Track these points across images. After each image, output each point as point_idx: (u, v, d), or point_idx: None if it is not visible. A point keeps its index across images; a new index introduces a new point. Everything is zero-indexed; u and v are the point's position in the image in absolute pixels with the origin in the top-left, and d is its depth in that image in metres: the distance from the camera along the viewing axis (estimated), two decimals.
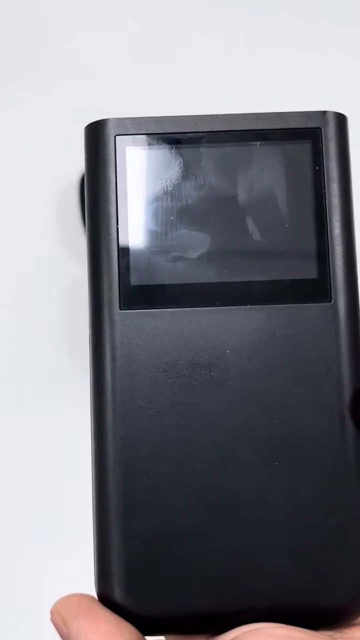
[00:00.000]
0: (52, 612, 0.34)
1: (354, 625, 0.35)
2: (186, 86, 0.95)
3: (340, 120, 0.37)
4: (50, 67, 0.96)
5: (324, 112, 0.37)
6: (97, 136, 0.37)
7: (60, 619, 0.34)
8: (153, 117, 0.37)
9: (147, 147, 0.37)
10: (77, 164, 0.89)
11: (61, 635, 0.34)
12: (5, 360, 0.88)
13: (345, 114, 0.37)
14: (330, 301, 0.35)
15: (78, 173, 0.90)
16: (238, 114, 0.37)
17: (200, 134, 0.37)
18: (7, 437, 0.86)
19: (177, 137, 0.37)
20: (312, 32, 0.96)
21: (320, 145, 0.36)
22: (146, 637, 0.34)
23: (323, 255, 0.36)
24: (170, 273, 0.36)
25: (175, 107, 0.91)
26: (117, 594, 0.34)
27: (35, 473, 0.84)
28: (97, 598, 0.35)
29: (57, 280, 0.90)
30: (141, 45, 0.97)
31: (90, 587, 0.36)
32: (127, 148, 0.37)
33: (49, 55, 0.97)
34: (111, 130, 0.37)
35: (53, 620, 0.34)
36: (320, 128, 0.36)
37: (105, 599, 0.34)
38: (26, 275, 0.90)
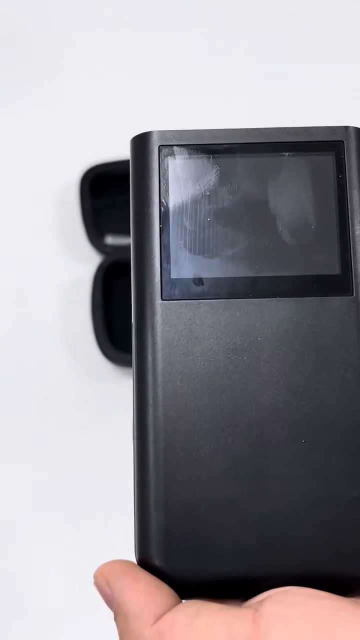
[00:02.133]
0: (95, 576, 0.37)
1: None
2: (186, 86, 0.98)
3: None
4: (50, 68, 0.98)
5: (347, 127, 0.41)
6: (142, 146, 0.41)
7: (104, 580, 0.37)
8: (193, 129, 0.40)
9: (187, 156, 0.40)
10: (77, 164, 0.91)
11: (104, 596, 0.37)
12: (5, 360, 0.89)
13: None
14: (352, 294, 0.39)
15: (78, 173, 0.91)
16: (269, 128, 0.40)
17: (235, 145, 0.40)
18: (7, 437, 0.86)
19: (214, 147, 0.40)
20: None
21: (343, 156, 0.40)
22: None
23: (345, 253, 0.39)
24: (207, 268, 0.39)
25: (175, 108, 0.93)
26: (156, 559, 0.37)
27: (35, 472, 0.85)
28: (137, 563, 0.38)
29: (57, 280, 0.91)
30: (141, 46, 0.98)
31: None
32: (169, 157, 0.40)
33: (49, 56, 0.98)
34: (155, 141, 0.41)
35: (97, 583, 0.37)
36: (342, 141, 0.40)
37: (145, 563, 0.37)
38: (26, 275, 0.91)
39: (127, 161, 0.89)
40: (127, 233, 0.87)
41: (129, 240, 0.87)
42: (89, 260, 0.91)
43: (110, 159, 0.92)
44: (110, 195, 0.92)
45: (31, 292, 0.91)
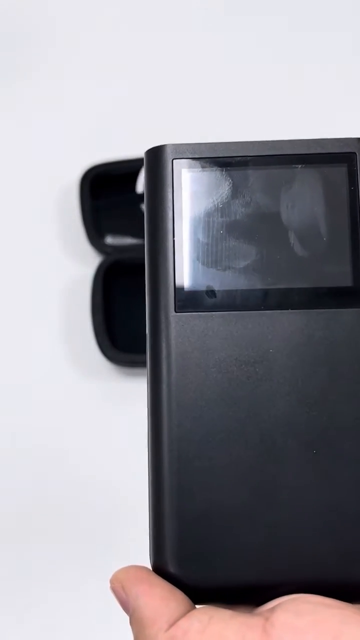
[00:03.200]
0: (112, 581, 0.38)
1: None
2: (186, 86, 0.98)
3: None
4: (50, 68, 0.98)
5: (358, 139, 0.41)
6: (156, 159, 0.41)
7: (120, 586, 0.38)
8: (206, 143, 0.41)
9: (200, 169, 0.41)
10: (77, 164, 0.91)
11: (120, 601, 0.38)
12: (5, 359, 0.89)
13: None
14: None
15: (78, 173, 0.91)
16: (282, 140, 0.41)
17: (248, 158, 0.41)
18: (7, 436, 0.87)
19: (227, 160, 0.41)
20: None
21: (355, 168, 0.41)
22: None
23: (358, 265, 0.40)
24: (220, 280, 0.40)
25: (175, 109, 0.94)
26: (171, 566, 0.38)
27: (35, 472, 0.86)
28: (151, 569, 0.39)
29: (57, 280, 0.91)
30: (142, 46, 0.99)
31: None
32: (183, 170, 0.41)
33: (50, 57, 0.99)
34: (169, 154, 0.41)
35: (113, 588, 0.38)
36: (355, 153, 0.41)
37: (160, 570, 0.38)
38: (26, 275, 0.91)
39: (127, 161, 0.90)
40: (127, 233, 0.89)
41: (129, 240, 0.88)
42: (89, 260, 0.91)
43: (110, 159, 0.92)
44: (110, 195, 0.93)
45: (31, 292, 0.92)
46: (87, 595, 0.80)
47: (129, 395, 0.87)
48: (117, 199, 0.92)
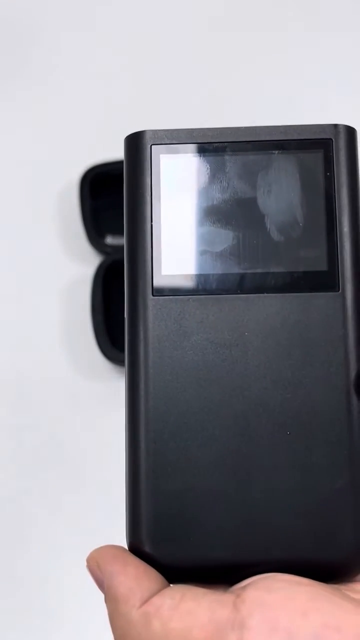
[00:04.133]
0: (88, 560, 0.39)
1: (357, 580, 0.39)
2: (185, 87, 0.98)
3: (350, 132, 0.42)
4: (50, 68, 0.98)
5: (336, 125, 0.42)
6: (135, 145, 0.42)
7: (95, 564, 0.38)
8: (184, 128, 0.41)
9: (178, 155, 0.41)
10: (77, 164, 0.92)
11: (95, 579, 0.38)
12: (5, 359, 0.89)
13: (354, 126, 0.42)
14: (339, 291, 0.40)
15: (78, 173, 0.92)
16: (259, 126, 0.41)
17: (225, 143, 0.41)
18: (7, 436, 0.87)
19: (205, 146, 0.41)
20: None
21: (332, 154, 0.41)
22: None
23: (332, 250, 0.40)
24: (196, 264, 0.41)
25: (174, 107, 0.94)
26: (146, 545, 0.38)
27: (35, 472, 0.86)
28: (127, 549, 0.39)
29: (57, 280, 0.91)
30: (142, 46, 0.99)
31: None
32: (161, 155, 0.41)
33: (50, 56, 0.99)
34: (148, 140, 0.42)
35: (89, 567, 0.39)
36: (331, 139, 0.41)
37: (135, 549, 0.39)
38: (26, 275, 0.92)
39: None
40: None
41: None
42: (89, 260, 0.91)
43: (110, 159, 0.92)
44: (110, 195, 0.93)
45: (31, 292, 0.92)
46: (88, 595, 0.80)
47: None
48: (117, 199, 0.92)
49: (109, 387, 0.88)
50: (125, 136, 0.42)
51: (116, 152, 0.90)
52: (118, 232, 0.92)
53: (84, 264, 0.92)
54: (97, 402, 0.88)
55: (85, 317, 0.89)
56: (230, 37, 1.00)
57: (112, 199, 0.92)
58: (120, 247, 0.90)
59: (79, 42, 1.00)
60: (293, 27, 1.00)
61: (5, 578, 0.83)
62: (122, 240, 0.87)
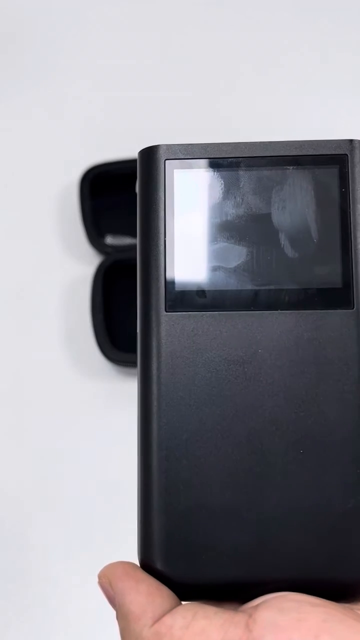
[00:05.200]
0: (99, 576, 0.38)
1: None
2: (185, 87, 0.98)
3: None
4: (51, 68, 0.98)
5: (351, 141, 0.41)
6: (148, 159, 0.42)
7: (107, 581, 0.38)
8: (198, 143, 0.41)
9: (192, 170, 0.41)
10: (77, 164, 0.92)
11: (107, 596, 0.38)
12: (5, 359, 0.89)
13: None
14: (353, 308, 0.40)
15: (78, 173, 0.91)
16: (274, 142, 0.41)
17: (240, 159, 0.41)
18: (7, 436, 0.87)
19: (219, 161, 0.41)
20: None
21: (347, 170, 0.41)
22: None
23: (347, 266, 0.40)
24: (210, 280, 0.40)
25: (175, 109, 0.94)
26: (158, 562, 0.38)
27: (35, 472, 0.86)
28: (139, 565, 0.39)
29: (57, 280, 0.91)
30: (142, 46, 0.99)
31: None
32: (175, 171, 0.41)
33: (50, 57, 0.99)
34: (162, 154, 0.42)
35: (100, 583, 0.38)
36: (347, 154, 0.41)
37: (147, 566, 0.39)
38: (26, 275, 0.91)
39: (127, 161, 0.90)
40: (127, 233, 0.89)
41: (129, 240, 0.89)
42: (89, 260, 0.91)
43: (110, 159, 0.92)
44: (110, 196, 0.93)
45: (31, 292, 0.92)
46: (88, 595, 0.80)
47: (129, 395, 0.87)
48: (117, 199, 0.93)
49: (109, 387, 0.88)
50: (139, 150, 0.42)
51: (116, 152, 0.91)
52: (118, 232, 0.92)
53: (84, 264, 0.92)
54: (97, 402, 0.88)
55: (85, 317, 0.89)
56: (233, 37, 0.99)
57: (112, 199, 0.92)
58: (121, 247, 0.90)
59: (79, 42, 1.00)
60: (300, 37, 1.00)
61: (6, 578, 0.83)
62: (122, 240, 0.88)
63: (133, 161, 0.90)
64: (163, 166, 0.41)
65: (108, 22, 1.01)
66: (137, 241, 0.41)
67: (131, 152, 0.89)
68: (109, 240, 0.92)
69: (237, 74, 0.98)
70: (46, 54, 0.99)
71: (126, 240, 0.91)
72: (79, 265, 0.92)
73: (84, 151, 0.93)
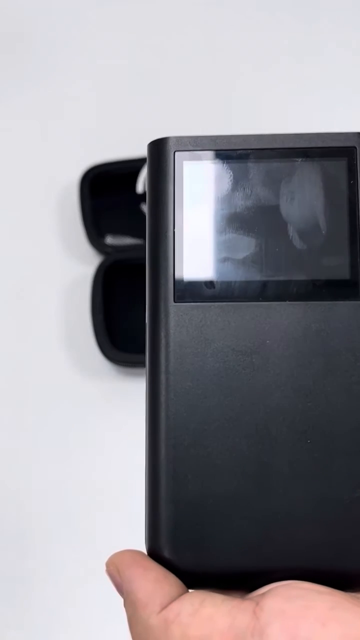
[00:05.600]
0: (107, 564, 0.39)
1: None
2: (185, 87, 0.98)
3: None
4: (51, 68, 0.99)
5: (359, 133, 0.41)
6: (158, 151, 0.42)
7: (114, 569, 0.38)
8: (208, 135, 0.41)
9: (201, 161, 0.41)
10: (77, 164, 0.92)
11: (114, 583, 0.38)
12: (5, 359, 0.90)
13: None
14: None
15: (78, 173, 0.92)
16: (282, 134, 0.41)
17: (249, 150, 0.41)
18: (7, 436, 0.87)
19: (228, 153, 0.41)
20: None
21: (355, 162, 0.41)
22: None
23: (355, 258, 0.40)
24: (218, 271, 0.41)
25: (175, 109, 0.94)
26: (165, 551, 0.39)
27: (35, 471, 0.86)
28: (146, 554, 0.39)
29: (57, 280, 0.92)
30: (142, 46, 1.00)
31: None
32: (184, 162, 0.41)
33: (50, 57, 0.99)
34: (171, 146, 0.42)
35: (108, 571, 0.38)
36: (355, 147, 0.41)
37: (154, 554, 0.39)
38: (26, 275, 0.92)
39: (127, 161, 0.91)
40: (127, 233, 0.89)
41: (129, 240, 0.89)
42: (89, 260, 0.92)
43: (110, 159, 0.93)
44: (110, 195, 0.93)
45: (31, 292, 0.92)
46: (88, 595, 0.80)
47: (129, 395, 0.87)
48: (117, 199, 0.93)
49: (109, 387, 0.88)
50: (148, 142, 0.42)
51: (116, 152, 0.91)
52: (118, 232, 0.92)
53: (84, 264, 0.92)
54: (97, 402, 0.88)
55: (85, 317, 0.89)
56: (233, 37, 1.00)
57: (112, 199, 0.92)
58: (121, 247, 0.91)
59: (79, 42, 1.00)
60: (300, 38, 1.00)
61: (6, 578, 0.83)
62: (122, 240, 0.88)
63: (133, 161, 0.91)
64: (172, 158, 0.41)
65: (108, 22, 1.01)
66: (146, 232, 0.41)
67: (131, 152, 0.89)
68: (109, 240, 0.92)
69: (237, 73, 0.98)
70: (46, 54, 1.00)
71: (126, 240, 0.92)
72: (79, 265, 0.92)
73: (84, 151, 0.94)
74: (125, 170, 0.93)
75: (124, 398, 0.87)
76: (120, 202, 0.93)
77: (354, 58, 0.98)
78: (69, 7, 1.01)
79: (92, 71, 0.99)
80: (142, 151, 0.89)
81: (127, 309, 0.90)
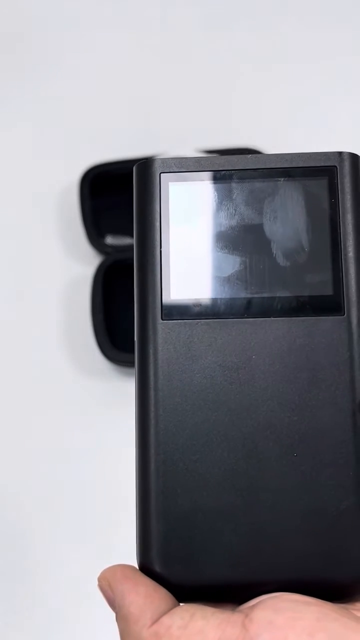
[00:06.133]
0: (99, 579, 0.40)
1: None
2: (185, 87, 0.99)
3: (354, 159, 0.42)
4: (50, 68, 0.99)
5: (340, 153, 0.42)
6: (144, 173, 0.43)
7: (106, 584, 0.39)
8: (192, 157, 0.42)
9: (187, 182, 0.42)
10: (77, 164, 0.92)
11: (106, 598, 0.39)
12: (5, 359, 0.90)
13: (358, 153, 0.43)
14: (344, 314, 0.41)
15: (78, 173, 0.92)
16: (265, 155, 0.42)
17: (232, 171, 0.42)
18: (7, 436, 0.87)
19: (212, 174, 0.42)
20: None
21: (336, 181, 0.42)
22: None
23: (337, 274, 0.41)
24: (204, 289, 0.42)
25: (175, 109, 0.95)
26: (156, 565, 0.39)
27: (35, 472, 0.86)
28: (138, 568, 0.40)
29: (57, 280, 0.92)
30: (142, 47, 1.00)
31: None
32: (170, 183, 0.42)
33: (50, 56, 0.99)
34: (157, 168, 0.43)
35: (100, 586, 0.39)
36: (336, 166, 0.42)
37: (145, 568, 0.40)
38: (26, 275, 0.92)
39: (127, 161, 0.91)
40: (127, 233, 0.89)
41: (129, 240, 0.89)
42: (89, 260, 0.92)
43: (110, 159, 0.93)
44: (110, 196, 0.93)
45: (31, 292, 0.92)
46: (88, 595, 0.80)
47: (128, 395, 0.86)
48: (117, 199, 0.93)
49: (109, 387, 0.88)
50: (135, 165, 0.43)
51: (116, 152, 0.91)
52: (118, 232, 0.93)
53: (84, 264, 0.92)
54: (97, 402, 0.88)
55: (85, 317, 0.89)
56: (233, 38, 1.00)
57: (112, 199, 0.92)
58: (121, 247, 0.91)
59: (79, 42, 1.01)
60: (294, 39, 1.00)
61: (6, 578, 0.84)
62: (122, 240, 0.89)
63: (133, 161, 0.91)
64: (158, 179, 0.42)
65: (108, 22, 1.01)
66: (134, 251, 0.42)
67: (131, 152, 0.90)
68: (109, 240, 0.92)
69: (237, 74, 0.99)
70: (46, 54, 1.00)
71: (126, 240, 0.92)
72: (79, 265, 0.92)
73: (84, 151, 0.94)
74: (125, 170, 0.92)
75: (124, 398, 0.87)
76: (120, 202, 0.93)
77: (354, 58, 0.98)
78: (70, 7, 1.01)
79: (92, 71, 0.99)
80: (142, 151, 0.90)
81: (127, 309, 0.90)
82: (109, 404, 0.88)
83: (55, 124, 0.98)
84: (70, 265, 0.93)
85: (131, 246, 0.88)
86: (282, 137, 0.93)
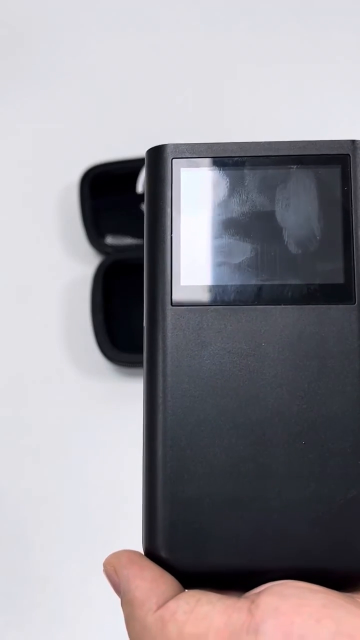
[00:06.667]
0: (105, 564, 0.39)
1: None
2: (185, 87, 0.99)
3: None
4: (51, 68, 0.99)
5: (353, 141, 0.42)
6: (156, 158, 0.43)
7: (112, 568, 0.39)
8: (204, 143, 0.42)
9: (198, 168, 0.42)
10: (77, 164, 0.92)
11: (112, 583, 0.39)
12: (5, 359, 0.90)
13: None
14: (354, 303, 0.41)
15: (78, 173, 0.92)
16: (278, 141, 0.42)
17: (245, 158, 0.42)
18: (7, 436, 0.88)
19: (224, 160, 0.42)
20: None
21: (349, 169, 0.42)
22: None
23: (349, 262, 0.41)
24: (215, 276, 0.41)
25: (175, 110, 0.95)
26: (162, 551, 0.39)
27: (35, 472, 0.86)
28: (143, 554, 0.40)
29: (57, 280, 0.92)
30: (142, 47, 1.00)
31: None
32: (182, 169, 0.42)
33: (50, 57, 0.99)
34: (169, 154, 0.43)
35: (105, 571, 0.39)
36: (349, 155, 0.42)
37: (151, 554, 0.40)
38: (26, 275, 0.92)
39: (127, 161, 0.91)
40: (127, 233, 0.89)
41: (129, 240, 0.89)
42: (89, 260, 0.92)
43: (110, 159, 0.93)
44: (110, 196, 0.93)
45: (31, 292, 0.92)
46: (89, 595, 0.81)
47: (129, 395, 0.87)
48: (117, 199, 0.93)
49: (109, 387, 0.89)
50: (147, 149, 0.43)
51: (116, 152, 0.91)
52: (118, 232, 0.93)
53: (84, 264, 0.92)
54: (97, 402, 0.88)
55: (85, 317, 0.89)
56: (232, 38, 1.00)
57: (112, 199, 0.93)
58: (121, 247, 0.91)
59: (79, 43, 1.01)
60: (301, 38, 1.01)
61: (6, 578, 0.83)
62: (122, 240, 0.89)
63: (133, 161, 0.92)
64: (170, 165, 0.42)
65: (107, 23, 1.01)
66: (144, 237, 0.42)
67: (131, 152, 0.90)
68: (109, 240, 0.92)
69: (237, 74, 0.99)
70: (46, 55, 1.00)
71: (126, 240, 0.92)
72: (79, 265, 0.92)
73: (84, 151, 0.94)
74: (125, 171, 0.93)
75: (124, 398, 0.87)
76: (120, 202, 0.94)
77: (354, 59, 0.99)
78: (70, 8, 1.01)
79: (92, 71, 0.99)
80: (142, 151, 0.90)
81: (127, 309, 0.91)
82: (109, 404, 0.88)
83: (55, 124, 0.98)
84: (70, 265, 0.93)
85: (131, 246, 0.88)
86: (282, 137, 0.93)
